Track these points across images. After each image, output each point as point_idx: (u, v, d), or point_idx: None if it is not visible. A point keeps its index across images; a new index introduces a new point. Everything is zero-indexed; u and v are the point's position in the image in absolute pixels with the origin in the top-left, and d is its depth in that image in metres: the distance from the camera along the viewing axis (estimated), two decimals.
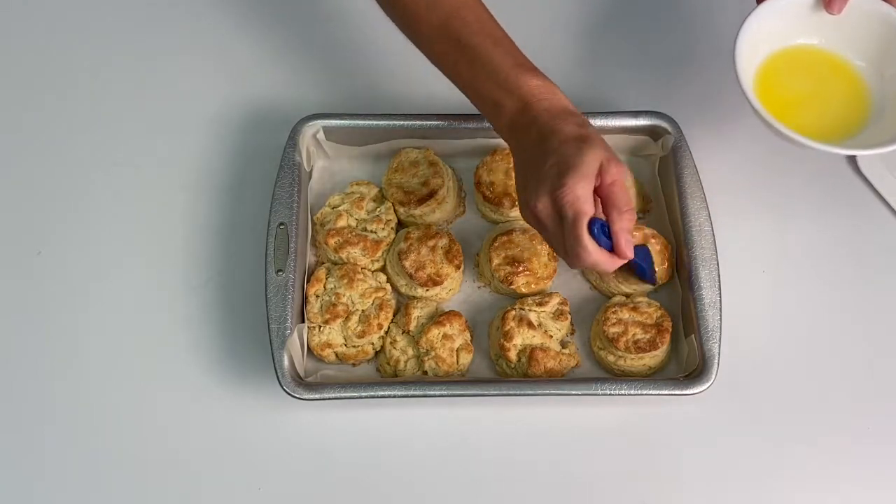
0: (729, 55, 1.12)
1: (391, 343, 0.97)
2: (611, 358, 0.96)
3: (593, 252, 0.80)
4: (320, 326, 0.97)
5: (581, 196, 0.78)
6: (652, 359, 0.96)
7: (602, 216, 0.82)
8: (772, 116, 0.88)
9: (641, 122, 1.02)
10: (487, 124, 1.01)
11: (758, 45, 0.93)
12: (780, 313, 1.00)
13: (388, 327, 0.98)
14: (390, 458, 0.95)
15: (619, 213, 0.81)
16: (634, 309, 0.96)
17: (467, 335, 0.97)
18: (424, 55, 0.91)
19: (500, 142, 1.03)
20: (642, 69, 1.13)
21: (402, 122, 1.02)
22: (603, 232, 0.81)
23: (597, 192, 0.81)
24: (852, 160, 1.06)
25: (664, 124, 1.01)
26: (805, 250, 1.03)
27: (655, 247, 0.99)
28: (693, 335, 0.94)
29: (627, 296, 0.99)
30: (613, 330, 0.95)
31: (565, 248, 0.81)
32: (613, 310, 0.96)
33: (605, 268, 0.82)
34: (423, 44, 0.91)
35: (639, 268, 0.95)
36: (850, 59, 0.96)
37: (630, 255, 0.82)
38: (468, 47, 0.86)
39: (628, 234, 0.81)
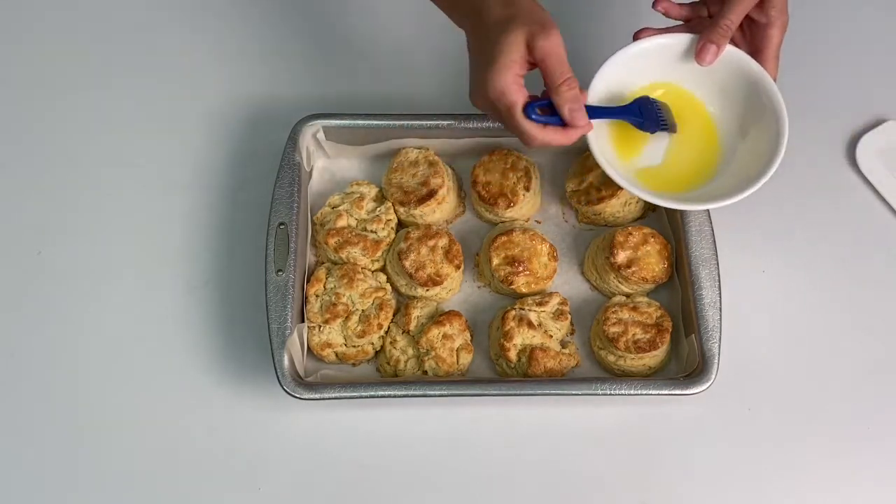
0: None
1: (391, 343, 0.97)
2: (611, 358, 0.96)
3: (538, 134, 0.81)
4: (320, 326, 0.97)
5: (504, 88, 0.80)
6: (652, 359, 0.96)
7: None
8: (615, 172, 0.87)
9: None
10: (487, 124, 1.01)
11: (615, 85, 0.91)
12: (780, 313, 1.00)
13: (388, 327, 0.98)
14: (390, 458, 0.95)
15: (554, 88, 0.81)
16: (634, 309, 0.96)
17: (467, 335, 0.97)
18: None
19: (499, 142, 1.03)
20: None
21: (402, 122, 1.02)
22: (548, 108, 0.81)
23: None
24: (852, 158, 1.06)
25: None
26: (805, 250, 1.03)
27: (655, 246, 0.99)
28: (693, 335, 0.94)
29: (627, 296, 0.99)
30: (613, 330, 0.95)
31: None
32: (613, 310, 0.96)
33: (561, 142, 0.82)
34: None
35: (634, 122, 0.90)
36: (705, 104, 0.95)
37: (581, 123, 0.81)
38: None
39: (572, 103, 0.81)
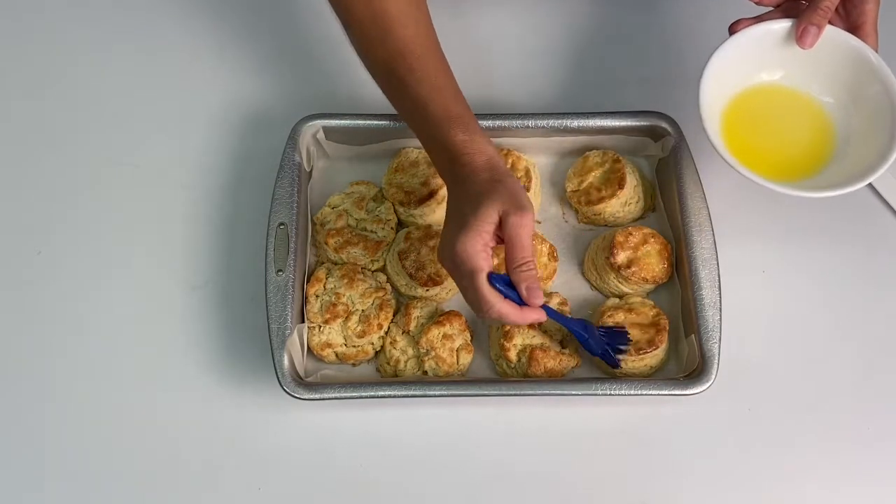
0: None
1: (391, 343, 0.97)
2: None
3: (496, 304, 0.82)
4: (320, 326, 0.97)
5: (472, 253, 0.81)
6: (653, 358, 0.96)
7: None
8: (734, 159, 0.89)
9: (641, 122, 1.02)
10: (487, 123, 1.01)
11: (723, 85, 0.93)
12: (779, 313, 1.00)
13: (388, 327, 0.98)
14: (390, 458, 0.95)
15: (514, 266, 0.82)
16: (630, 310, 0.96)
17: (467, 335, 0.97)
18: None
19: (499, 142, 1.04)
20: (642, 69, 1.13)
21: (402, 122, 1.02)
22: (507, 285, 0.83)
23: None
24: None
25: (664, 124, 1.01)
26: (805, 250, 1.03)
27: (655, 246, 0.99)
28: (693, 335, 0.94)
29: (621, 296, 0.99)
30: None
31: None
32: (609, 314, 0.96)
33: (515, 320, 0.84)
34: (372, 73, 0.93)
35: (578, 336, 0.94)
36: (815, 95, 0.95)
37: (536, 302, 0.83)
38: (408, 94, 0.88)
39: (529, 282, 0.83)
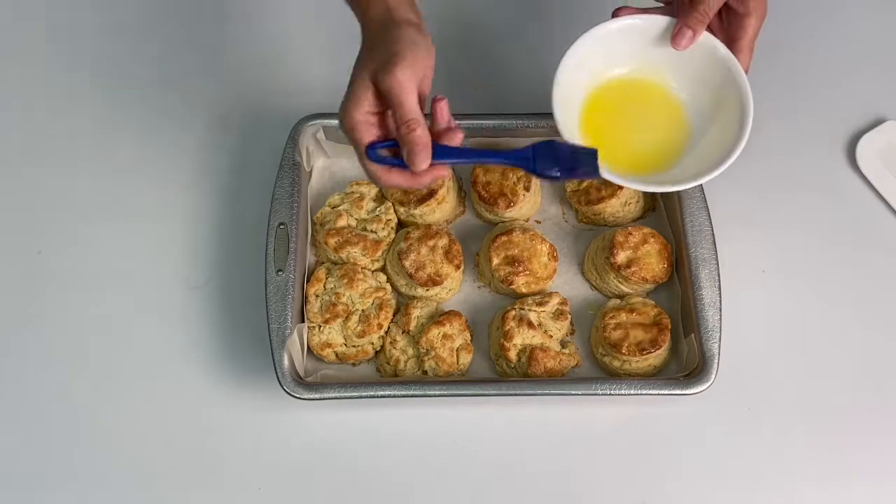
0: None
1: (391, 343, 0.97)
2: (616, 363, 0.96)
3: (383, 176, 0.77)
4: (320, 326, 0.97)
5: (351, 126, 0.77)
6: (656, 358, 0.96)
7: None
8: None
9: None
10: (487, 123, 1.01)
11: (578, 77, 0.89)
12: (779, 313, 1.00)
13: (388, 327, 0.98)
14: (390, 458, 0.95)
15: (395, 130, 0.77)
16: (631, 311, 0.96)
17: (467, 335, 0.97)
18: None
19: (499, 141, 1.04)
20: None
21: None
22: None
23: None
24: (852, 158, 1.06)
25: None
26: (805, 250, 1.03)
27: (655, 246, 0.99)
28: (693, 335, 0.94)
29: (621, 297, 0.99)
30: (615, 335, 0.94)
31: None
32: (611, 315, 0.96)
33: (410, 184, 0.78)
34: None
35: (525, 166, 0.81)
36: (673, 91, 0.93)
37: (421, 166, 0.76)
38: None
39: (411, 145, 0.75)
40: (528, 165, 0.81)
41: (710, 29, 0.89)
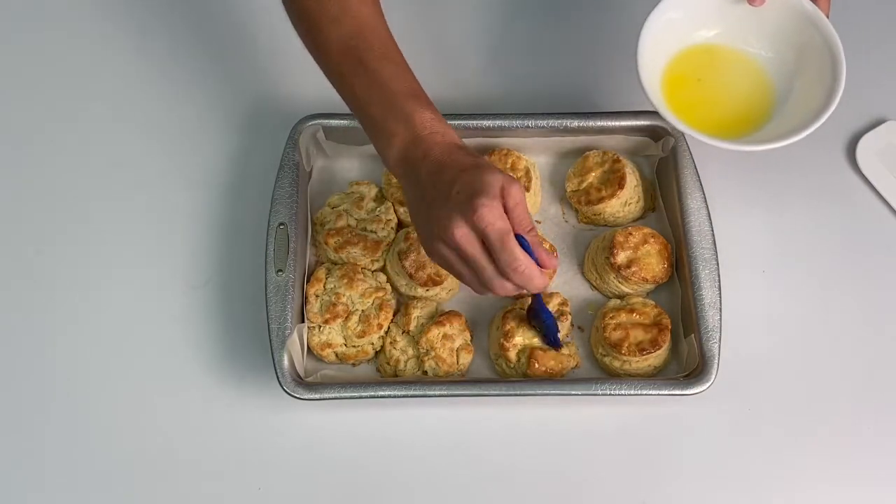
0: None
1: (391, 343, 0.97)
2: (616, 364, 0.96)
3: (528, 263, 0.78)
4: (320, 326, 0.97)
5: (499, 214, 0.76)
6: (656, 358, 0.96)
7: None
8: (674, 117, 0.89)
9: (641, 122, 1.02)
10: (487, 123, 1.01)
11: (660, 44, 0.92)
12: (779, 313, 1.00)
13: (388, 327, 0.98)
14: (390, 458, 0.95)
15: (527, 234, 0.79)
16: (631, 311, 0.96)
17: (467, 335, 0.97)
18: (321, 69, 0.88)
19: (499, 142, 1.04)
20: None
21: None
22: (523, 247, 0.79)
23: None
24: (852, 158, 1.06)
25: (664, 124, 1.01)
26: (805, 250, 1.03)
27: (655, 246, 0.99)
28: (693, 335, 0.94)
29: (621, 297, 0.99)
30: (615, 336, 0.94)
31: (496, 271, 0.78)
32: (611, 315, 0.96)
33: (537, 282, 0.79)
34: (322, 57, 0.87)
35: (544, 323, 0.93)
36: (754, 51, 0.95)
37: (554, 264, 0.83)
38: (368, 70, 0.83)
39: (540, 247, 0.80)
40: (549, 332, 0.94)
41: None
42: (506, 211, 0.77)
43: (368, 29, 0.85)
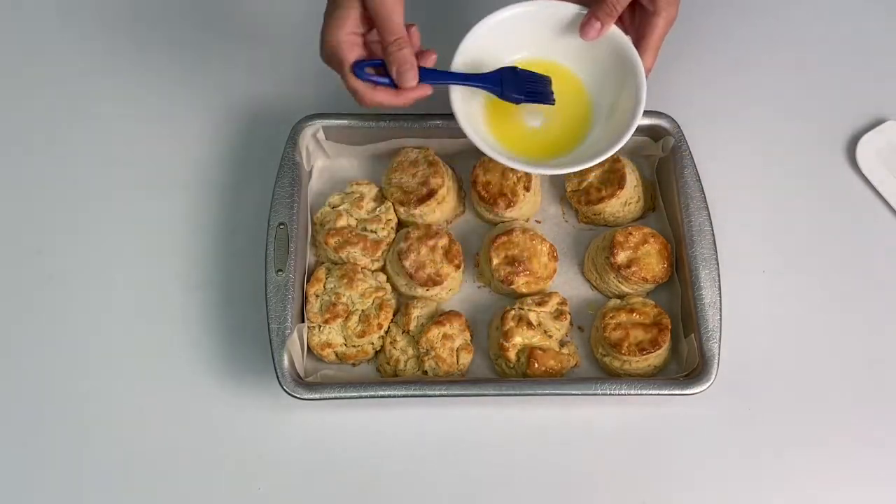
0: (729, 56, 1.13)
1: (391, 343, 0.97)
2: (616, 363, 0.96)
3: (366, 93, 0.79)
4: (320, 326, 0.97)
5: (335, 44, 0.78)
6: (656, 358, 0.96)
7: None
8: (483, 143, 0.88)
9: (641, 122, 1.01)
10: None
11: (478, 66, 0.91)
12: (780, 313, 1.00)
13: (388, 327, 0.98)
14: (390, 458, 0.95)
15: (384, 48, 0.78)
16: (631, 311, 0.96)
17: (467, 335, 0.97)
18: None
19: None
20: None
21: (401, 122, 1.02)
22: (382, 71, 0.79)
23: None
24: (852, 158, 1.06)
25: (664, 124, 1.01)
26: (805, 250, 1.03)
27: (655, 246, 0.99)
28: (693, 335, 0.94)
29: (621, 297, 0.99)
30: (615, 335, 0.94)
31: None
32: (611, 315, 0.96)
33: (393, 104, 0.80)
34: None
35: (493, 91, 0.88)
36: (574, 72, 0.95)
37: (409, 84, 0.80)
38: None
39: (400, 64, 0.79)
40: (496, 89, 0.87)
41: (620, 24, 0.91)
42: (372, 19, 0.78)
43: None
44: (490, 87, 0.88)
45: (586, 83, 0.95)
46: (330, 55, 0.79)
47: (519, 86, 0.89)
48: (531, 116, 0.94)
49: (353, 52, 0.79)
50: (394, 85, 0.81)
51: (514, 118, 0.94)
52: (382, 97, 0.80)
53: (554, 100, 0.90)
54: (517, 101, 0.90)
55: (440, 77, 0.84)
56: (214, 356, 0.99)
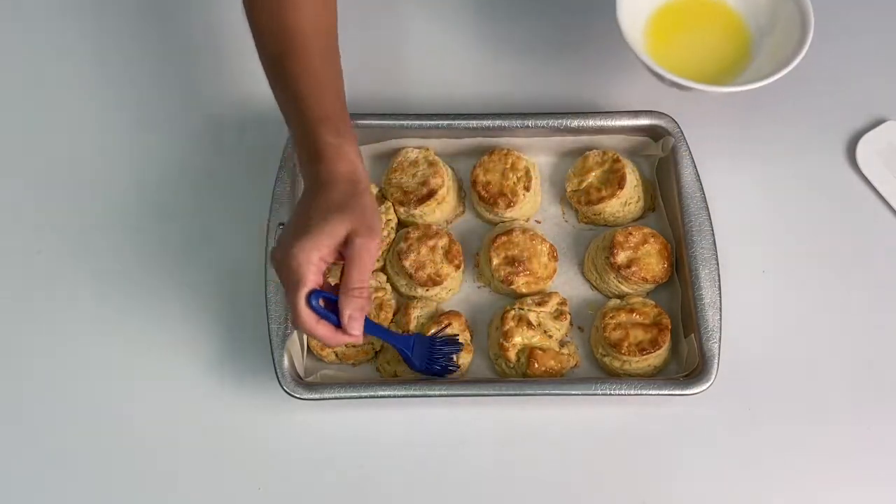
0: None
1: None
2: (616, 364, 0.96)
3: (307, 321, 0.79)
4: None
5: (303, 262, 0.77)
6: (656, 358, 0.96)
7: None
8: (657, 65, 0.95)
9: (641, 122, 1.02)
10: (487, 123, 1.01)
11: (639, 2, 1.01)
12: (780, 313, 1.00)
13: (388, 327, 0.98)
14: (390, 458, 0.95)
15: (346, 292, 0.80)
16: (631, 311, 0.96)
17: (467, 335, 0.97)
18: None
19: (499, 142, 1.04)
20: (642, 69, 1.13)
21: (402, 122, 1.02)
22: (330, 305, 0.80)
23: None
24: (852, 158, 1.06)
25: (664, 124, 1.01)
26: (805, 250, 1.03)
27: (655, 246, 0.99)
28: (693, 335, 0.94)
29: (621, 297, 0.99)
30: (615, 335, 0.94)
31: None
32: (611, 315, 0.96)
33: (327, 341, 0.81)
34: (262, 61, 0.89)
35: (403, 354, 0.93)
36: (732, 5, 1.03)
37: (354, 333, 0.81)
38: (287, 87, 0.85)
39: (355, 311, 0.80)
40: (407, 352, 0.92)
41: None
42: (346, 259, 0.79)
43: (298, 44, 0.85)
44: (402, 349, 0.92)
45: (744, 15, 1.03)
46: (291, 269, 0.78)
47: (426, 354, 0.93)
48: (692, 47, 1.01)
49: (315, 278, 0.79)
50: (336, 322, 0.81)
51: (677, 47, 1.01)
52: (323, 332, 0.80)
53: (453, 370, 0.94)
54: (419, 370, 0.93)
55: (370, 328, 0.86)
56: (214, 356, 0.99)
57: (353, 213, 0.79)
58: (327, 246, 0.78)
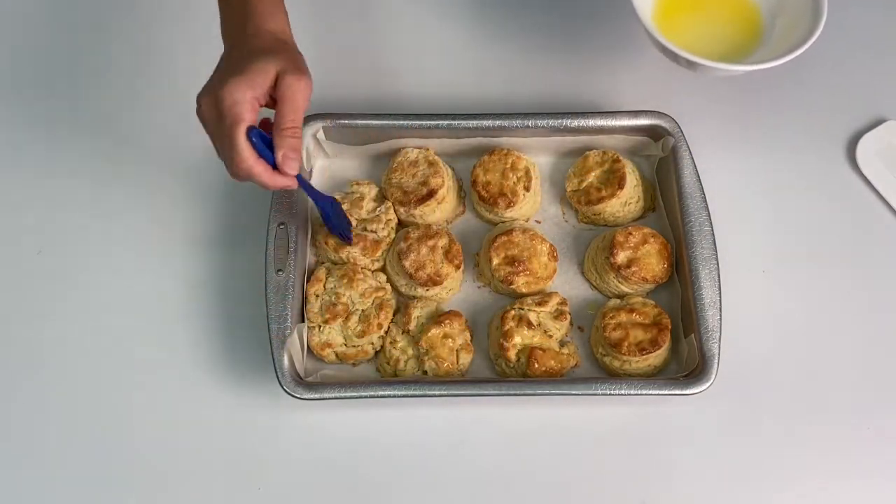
0: None
1: (391, 343, 0.97)
2: (616, 363, 0.96)
3: (248, 158, 0.78)
4: (320, 326, 0.97)
5: (239, 100, 0.77)
6: (656, 358, 0.96)
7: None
8: (671, 43, 0.93)
9: (641, 121, 1.02)
10: (487, 123, 1.01)
11: None
12: (780, 313, 1.00)
13: (388, 327, 0.98)
14: (390, 458, 0.95)
15: (279, 131, 0.79)
16: (631, 311, 0.96)
17: (467, 335, 0.97)
18: None
19: (499, 142, 1.04)
20: (642, 69, 1.13)
21: (402, 122, 1.02)
22: (267, 145, 0.79)
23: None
24: (852, 158, 1.06)
25: (664, 124, 1.01)
26: (805, 250, 1.03)
27: (655, 246, 0.99)
28: (693, 335, 0.94)
29: (622, 297, 0.99)
30: (615, 335, 0.94)
31: (223, 155, 0.79)
32: (611, 315, 0.96)
33: (265, 181, 0.79)
34: None
35: (323, 214, 0.95)
36: None
37: (290, 171, 0.80)
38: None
39: (289, 150, 0.79)
40: (326, 212, 0.96)
41: None
42: (276, 100, 0.78)
43: None
44: (324, 209, 0.96)
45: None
46: (225, 108, 0.77)
47: (340, 221, 0.97)
48: (702, 25, 1.00)
49: (251, 115, 0.78)
50: (273, 163, 0.80)
51: (684, 21, 1.00)
52: (260, 169, 0.79)
53: (349, 239, 0.98)
54: (335, 233, 0.98)
55: (298, 178, 0.85)
56: (214, 356, 0.99)
57: (281, 55, 0.80)
58: (260, 85, 0.78)
